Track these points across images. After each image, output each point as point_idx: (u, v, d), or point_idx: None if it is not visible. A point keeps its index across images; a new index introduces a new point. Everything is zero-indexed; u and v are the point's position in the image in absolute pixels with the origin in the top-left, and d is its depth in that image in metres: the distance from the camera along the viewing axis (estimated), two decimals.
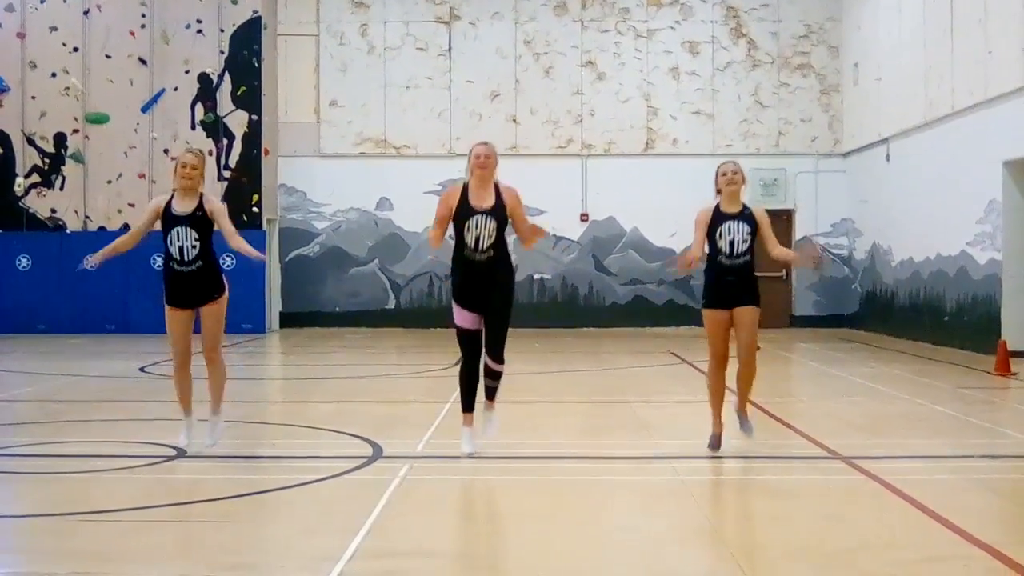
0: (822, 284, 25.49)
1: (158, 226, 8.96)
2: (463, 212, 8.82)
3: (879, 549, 6.34)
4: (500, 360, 9.09)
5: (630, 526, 6.90)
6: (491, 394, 9.24)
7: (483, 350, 9.06)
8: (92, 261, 9.13)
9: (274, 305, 25.26)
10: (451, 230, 8.99)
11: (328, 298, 25.70)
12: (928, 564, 6.06)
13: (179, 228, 8.82)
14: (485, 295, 8.90)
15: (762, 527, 7.02)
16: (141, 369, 16.42)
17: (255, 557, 6.25)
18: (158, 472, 8.55)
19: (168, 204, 8.92)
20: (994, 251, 17.98)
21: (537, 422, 10.59)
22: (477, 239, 8.78)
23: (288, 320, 25.47)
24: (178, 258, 8.85)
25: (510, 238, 8.98)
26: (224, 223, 8.97)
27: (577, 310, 25.33)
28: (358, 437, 9.92)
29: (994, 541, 6.34)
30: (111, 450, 9.50)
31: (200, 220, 8.86)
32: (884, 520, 7.02)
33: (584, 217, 25.44)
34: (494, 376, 9.16)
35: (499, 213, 8.84)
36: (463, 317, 9.00)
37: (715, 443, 9.20)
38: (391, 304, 25.79)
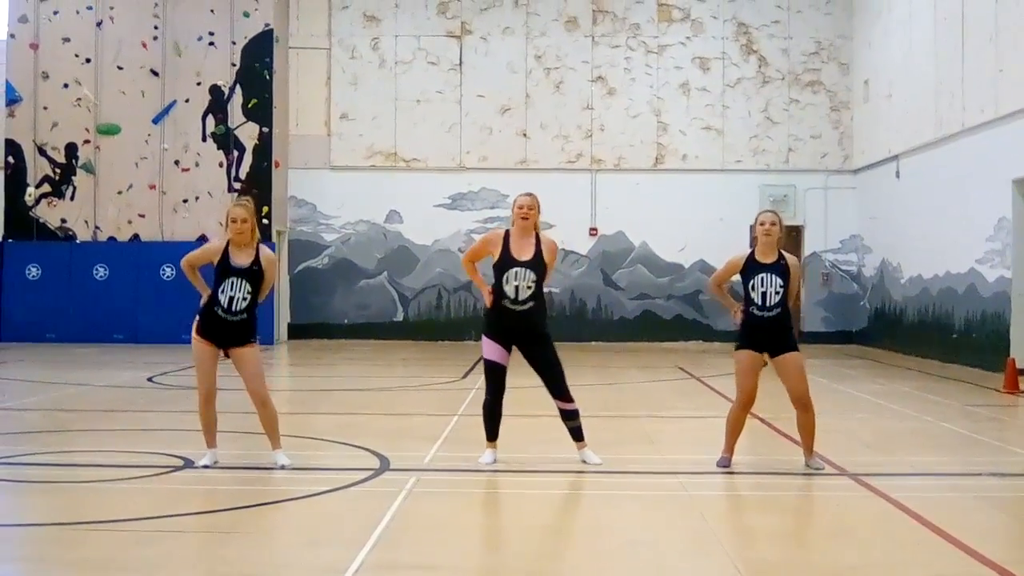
0: (831, 300, 25.47)
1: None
2: (503, 262, 9.06)
3: (885, 566, 6.33)
4: (568, 398, 9.26)
5: (637, 540, 6.88)
6: (577, 435, 9.38)
7: (550, 395, 9.28)
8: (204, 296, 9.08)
9: (283, 317, 25.29)
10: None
11: (337, 310, 25.73)
12: None
13: (234, 279, 8.88)
14: (521, 342, 9.13)
15: (769, 543, 7.00)
16: (149, 379, 16.45)
17: (261, 568, 6.25)
18: (165, 483, 8.56)
19: (226, 253, 8.95)
20: (1003, 269, 17.95)
21: (544, 436, 10.58)
22: (516, 289, 9.02)
23: (297, 332, 25.50)
24: (225, 306, 8.89)
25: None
26: (265, 286, 9.05)
27: (585, 324, 25.32)
28: (365, 449, 9.93)
29: (1000, 559, 6.32)
30: (118, 460, 9.51)
31: (256, 274, 8.94)
32: (890, 537, 7.00)
33: (593, 231, 25.44)
34: (571, 416, 9.32)
35: (538, 265, 9.07)
36: (493, 350, 9.14)
37: (725, 463, 9.19)
38: (399, 316, 25.81)
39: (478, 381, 16.58)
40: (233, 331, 8.94)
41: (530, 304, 9.02)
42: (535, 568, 6.39)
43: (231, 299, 8.88)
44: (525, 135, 25.71)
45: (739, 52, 25.81)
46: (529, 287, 9.00)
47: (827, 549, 6.81)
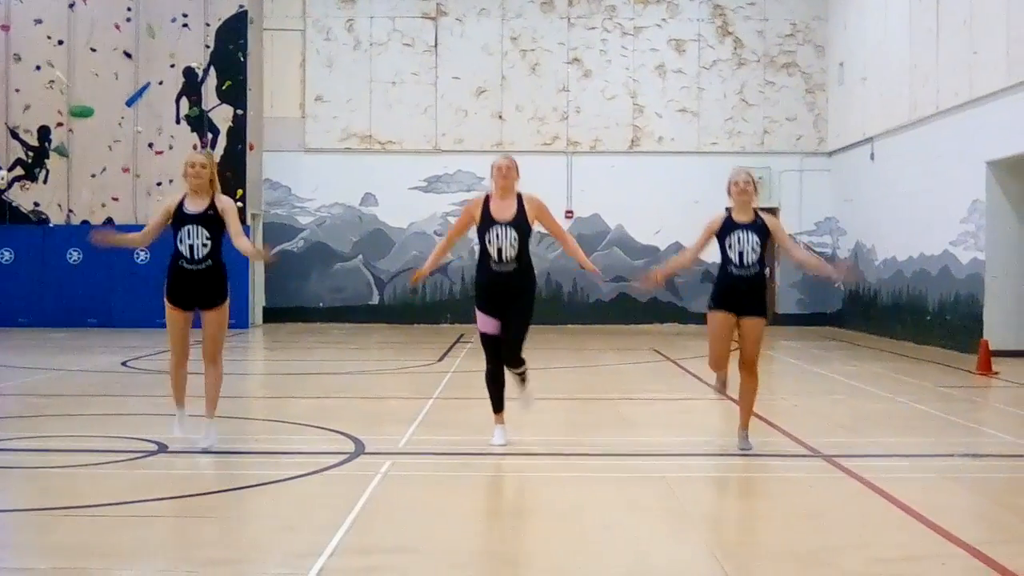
0: (805, 282, 25.56)
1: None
2: (485, 223, 8.98)
3: (859, 547, 6.36)
4: (512, 366, 9.23)
5: (612, 523, 6.90)
6: (521, 380, 9.36)
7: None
8: (100, 238, 9.07)
9: (257, 300, 25.22)
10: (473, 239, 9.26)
11: (312, 293, 25.67)
12: (907, 563, 6.08)
13: (190, 226, 8.82)
14: (505, 305, 9.03)
15: (744, 525, 7.04)
16: (123, 364, 16.38)
17: (236, 553, 6.24)
18: (140, 467, 8.53)
19: (181, 203, 8.91)
20: (977, 251, 18.05)
21: (520, 419, 10.58)
22: (500, 250, 8.93)
23: (271, 315, 25.43)
24: (187, 256, 8.83)
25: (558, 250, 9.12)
26: (232, 221, 8.93)
27: (561, 307, 25.35)
28: (340, 433, 9.91)
29: (973, 540, 6.37)
30: (93, 445, 9.47)
31: (211, 219, 8.85)
32: (864, 518, 7.04)
33: (569, 214, 25.44)
34: (515, 372, 9.31)
35: (521, 224, 8.97)
36: (485, 322, 9.13)
37: (721, 387, 9.22)
38: (375, 300, 25.78)
39: (454, 364, 16.63)
40: (201, 285, 8.86)
41: (514, 266, 8.94)
42: (510, 551, 6.40)
43: (191, 247, 8.81)
44: (501, 117, 25.67)
45: (715, 34, 25.82)
46: (512, 247, 8.90)
47: (802, 530, 6.83)
